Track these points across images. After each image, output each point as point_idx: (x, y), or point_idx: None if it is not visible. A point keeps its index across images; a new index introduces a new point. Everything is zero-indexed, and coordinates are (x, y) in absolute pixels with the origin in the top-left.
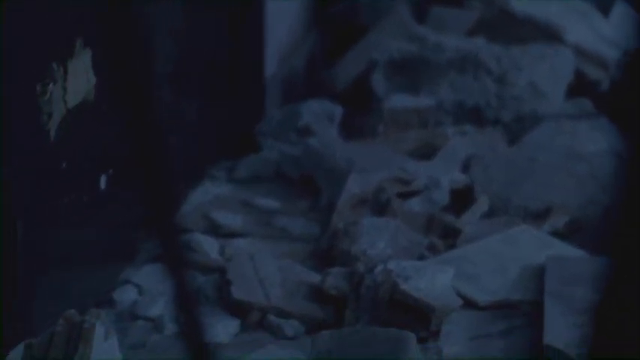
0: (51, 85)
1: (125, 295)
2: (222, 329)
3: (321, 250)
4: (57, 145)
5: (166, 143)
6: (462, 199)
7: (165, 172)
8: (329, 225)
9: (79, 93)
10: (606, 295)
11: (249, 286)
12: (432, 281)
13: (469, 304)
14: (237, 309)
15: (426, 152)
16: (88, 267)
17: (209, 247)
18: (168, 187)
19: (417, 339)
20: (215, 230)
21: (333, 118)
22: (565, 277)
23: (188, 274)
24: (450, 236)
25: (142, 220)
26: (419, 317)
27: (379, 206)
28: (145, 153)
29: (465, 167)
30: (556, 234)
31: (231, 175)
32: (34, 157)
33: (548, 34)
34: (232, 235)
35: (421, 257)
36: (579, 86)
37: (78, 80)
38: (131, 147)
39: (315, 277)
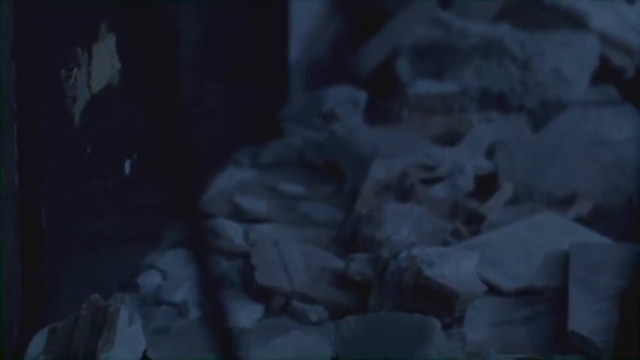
0: (75, 70)
1: (149, 280)
2: (245, 315)
3: (345, 235)
4: (81, 130)
5: (191, 128)
6: (486, 186)
7: (190, 157)
8: (353, 211)
9: (104, 78)
10: (631, 282)
11: (273, 272)
12: (456, 267)
13: (493, 290)
14: (261, 294)
15: (451, 138)
16: (112, 252)
17: (233, 232)
18: (193, 172)
19: (441, 325)
20: (239, 215)
21: (357, 104)
22: (589, 263)
23: (213, 260)
24: (475, 222)
25: (167, 205)
26: (443, 303)
27: (403, 192)
28: (171, 138)
29: (490, 153)
30: (580, 221)
31: (255, 161)
32: (59, 142)
33: (573, 21)
34: (256, 220)
35: (445, 243)
36: (604, 73)
37: (102, 65)
38: (156, 132)
39: (339, 263)
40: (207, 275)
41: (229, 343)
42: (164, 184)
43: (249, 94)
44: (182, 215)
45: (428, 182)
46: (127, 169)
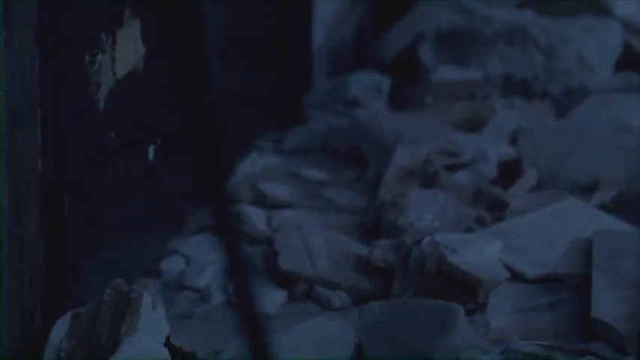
0: (100, 56)
1: (172, 266)
2: (269, 300)
3: (368, 221)
4: (105, 116)
5: (218, 113)
6: (509, 172)
7: (217, 142)
8: (376, 197)
9: (128, 63)
10: None
11: (297, 257)
12: (479, 254)
13: (516, 276)
14: (285, 280)
15: (474, 125)
16: (135, 237)
17: (256, 218)
18: (220, 157)
19: (465, 311)
20: (262, 201)
21: (380, 90)
22: (613, 250)
23: (240, 245)
24: (498, 209)
25: (194, 190)
26: (466, 289)
27: (426, 178)
28: (198, 123)
29: (513, 140)
30: (603, 208)
31: (278, 147)
32: (83, 128)
33: (597, 8)
34: (279, 206)
35: (469, 230)
36: (627, 60)
37: (127, 50)
38: (184, 116)
39: (362, 249)
40: (235, 260)
41: (257, 328)
42: (192, 168)
43: (273, 80)
44: (209, 200)
45: (451, 169)
46: (151, 155)
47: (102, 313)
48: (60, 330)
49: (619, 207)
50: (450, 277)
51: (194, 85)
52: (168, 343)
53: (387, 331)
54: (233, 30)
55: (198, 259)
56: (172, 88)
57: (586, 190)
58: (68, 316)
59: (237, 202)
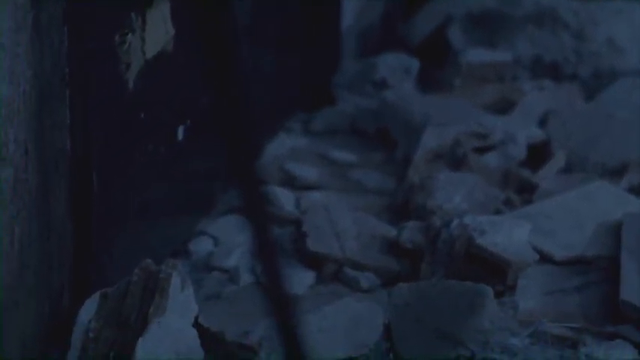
0: (129, 36)
1: (200, 246)
2: (297, 281)
3: (397, 203)
4: (135, 96)
5: (247, 94)
6: (538, 155)
7: (247, 122)
8: (405, 179)
9: (158, 43)
10: None
11: (325, 239)
12: (508, 236)
13: (545, 259)
14: (313, 261)
15: (503, 107)
16: (164, 218)
17: (284, 199)
18: (250, 138)
19: (493, 293)
20: (291, 183)
21: (409, 72)
22: None
23: (269, 225)
24: (527, 191)
25: (223, 171)
26: (495, 272)
27: (455, 160)
28: (228, 103)
29: (542, 122)
30: (632, 190)
31: (306, 128)
32: (112, 108)
33: None
34: (308, 187)
35: (497, 212)
36: None
37: (156, 31)
38: (214, 97)
39: (390, 231)
40: (264, 241)
41: (286, 309)
42: (221, 149)
43: (302, 61)
44: (240, 181)
45: (480, 151)
46: (180, 136)
47: (130, 294)
48: (88, 310)
49: None
50: (479, 259)
51: (224, 66)
52: (196, 324)
53: (415, 312)
54: (262, 11)
55: (227, 240)
56: (202, 69)
57: (615, 172)
58: (97, 296)
59: (266, 183)
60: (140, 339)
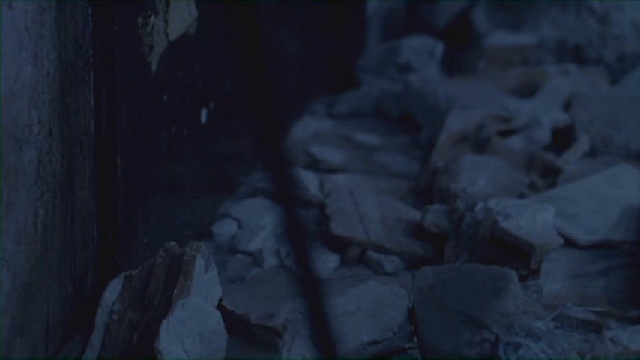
0: (153, 17)
1: (224, 229)
2: (321, 264)
3: (421, 187)
4: (158, 78)
5: (272, 76)
6: (563, 139)
7: (274, 104)
8: (429, 162)
9: (181, 25)
10: None
11: (349, 222)
12: (532, 220)
13: (569, 243)
14: (337, 244)
15: (527, 90)
16: (188, 200)
17: (309, 182)
18: (276, 120)
19: (518, 277)
20: (314, 166)
21: (433, 55)
22: None
23: (297, 207)
24: (551, 175)
25: (249, 153)
26: (519, 255)
27: (479, 144)
28: (254, 86)
29: (566, 106)
30: None
31: (331, 111)
32: (136, 90)
33: None
34: (332, 170)
35: (521, 196)
36: None
37: (179, 13)
38: (240, 79)
39: (414, 214)
40: (292, 223)
41: (315, 291)
42: (244, 132)
43: (326, 44)
44: (267, 163)
45: (504, 134)
46: (204, 118)
47: (154, 276)
48: (112, 292)
49: None
50: (503, 242)
51: (249, 48)
52: (220, 306)
53: (440, 296)
54: None
55: (250, 222)
56: (228, 52)
57: (639, 156)
58: (121, 278)
59: (292, 166)
60: (164, 321)
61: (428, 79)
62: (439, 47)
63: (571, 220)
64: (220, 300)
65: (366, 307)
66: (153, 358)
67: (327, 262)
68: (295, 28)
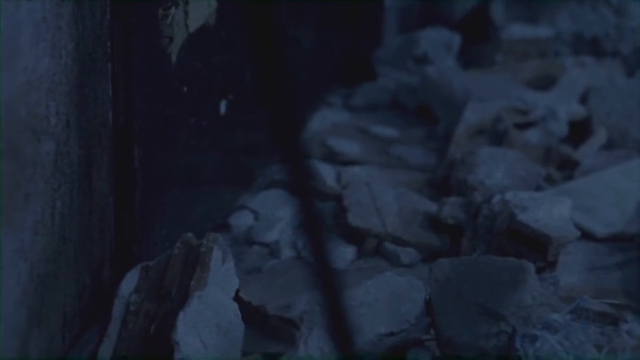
0: (172, 9)
1: (241, 221)
2: (338, 256)
3: (438, 179)
4: (178, 70)
5: (290, 68)
6: (579, 131)
7: (291, 96)
8: (446, 154)
9: (201, 17)
10: None
11: (366, 214)
12: (549, 212)
13: (586, 235)
14: (354, 236)
15: (544, 83)
16: (205, 192)
17: (326, 174)
18: (293, 112)
19: (535, 269)
20: (332, 158)
21: (450, 47)
22: None
23: (314, 199)
24: (568, 168)
25: (266, 145)
26: (536, 248)
27: (497, 136)
28: (273, 77)
29: (583, 99)
30: None
31: (348, 103)
32: (155, 81)
33: None
34: (349, 162)
35: (538, 188)
36: None
37: (199, 4)
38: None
39: (431, 206)
40: (309, 214)
41: (332, 283)
42: (263, 124)
43: (343, 36)
44: (284, 155)
45: (521, 127)
46: (223, 110)
47: (172, 267)
48: (129, 283)
49: None
50: (520, 235)
51: (267, 40)
52: (237, 298)
53: (456, 288)
54: None
55: (267, 214)
56: (246, 44)
57: None
58: (138, 269)
59: (309, 158)
60: (181, 312)
61: (445, 71)
62: (456, 39)
63: (588, 212)
64: (237, 291)
65: (383, 299)
66: (169, 350)
67: (343, 254)
68: (312, 20)
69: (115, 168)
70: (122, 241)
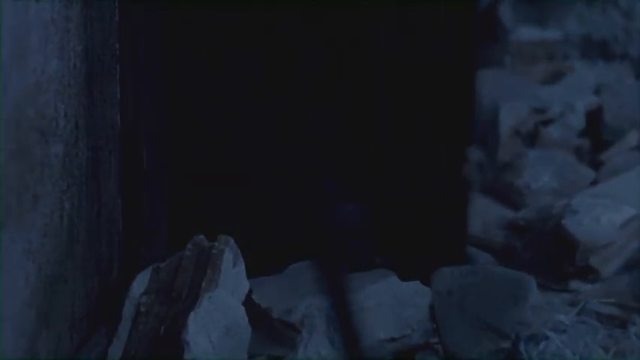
0: None
1: None
2: None
3: (487, 182)
4: None
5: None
6: (595, 123)
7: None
8: (495, 157)
9: None
10: None
11: None
12: (597, 218)
13: None
14: None
15: (553, 84)
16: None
17: None
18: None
19: (565, 274)
20: None
21: None
22: None
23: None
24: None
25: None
26: (571, 252)
27: (530, 137)
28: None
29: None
30: None
31: None
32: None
33: None
34: None
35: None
36: None
37: None
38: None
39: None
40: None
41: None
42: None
43: None
44: None
45: (542, 124)
46: None
47: (183, 268)
48: (140, 284)
49: None
50: (561, 238)
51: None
52: (247, 300)
53: (458, 301)
54: None
55: None
56: None
57: None
58: (148, 270)
59: None
60: (192, 313)
61: None
62: None
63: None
64: (250, 292)
65: (386, 304)
66: (179, 351)
67: None
68: None
69: (123, 170)
70: (130, 243)
